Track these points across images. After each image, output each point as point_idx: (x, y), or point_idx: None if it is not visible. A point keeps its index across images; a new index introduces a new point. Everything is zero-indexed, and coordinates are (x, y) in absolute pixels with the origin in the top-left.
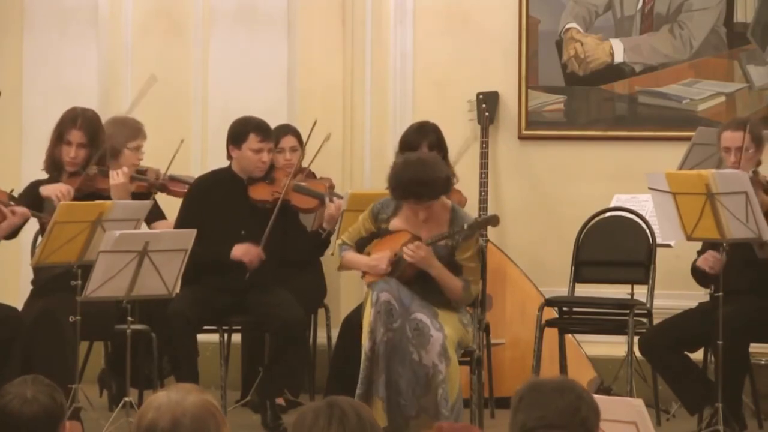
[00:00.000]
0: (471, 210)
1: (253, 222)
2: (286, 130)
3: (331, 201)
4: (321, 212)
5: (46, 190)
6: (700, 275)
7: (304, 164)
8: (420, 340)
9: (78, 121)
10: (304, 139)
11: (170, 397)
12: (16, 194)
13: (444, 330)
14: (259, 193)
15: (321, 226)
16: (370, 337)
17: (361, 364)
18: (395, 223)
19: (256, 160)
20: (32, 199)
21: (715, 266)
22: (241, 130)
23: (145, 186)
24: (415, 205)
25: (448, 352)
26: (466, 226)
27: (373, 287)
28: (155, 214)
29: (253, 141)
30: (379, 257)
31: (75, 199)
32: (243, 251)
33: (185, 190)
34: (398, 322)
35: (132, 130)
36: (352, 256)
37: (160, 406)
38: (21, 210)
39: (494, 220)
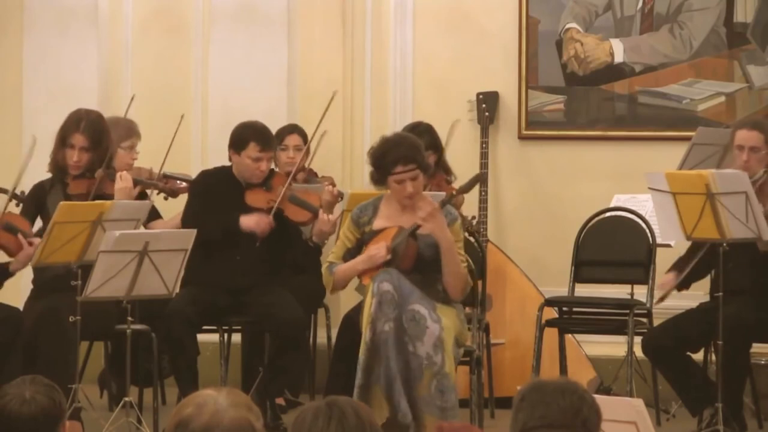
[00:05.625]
0: (471, 210)
1: None
2: (292, 128)
3: (333, 203)
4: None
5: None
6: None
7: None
8: (416, 331)
9: (81, 125)
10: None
11: (216, 402)
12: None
13: (441, 322)
14: (255, 199)
15: (311, 238)
16: (371, 327)
17: (360, 354)
18: (378, 223)
19: (254, 168)
20: (37, 200)
21: (663, 287)
22: (242, 138)
23: (152, 189)
24: (402, 173)
25: (445, 344)
26: (458, 188)
27: (374, 278)
28: (151, 214)
29: (252, 149)
30: (376, 247)
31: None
32: (255, 221)
33: (185, 187)
34: (396, 312)
35: (125, 129)
36: (344, 265)
37: (202, 406)
38: (38, 241)
39: (480, 176)
